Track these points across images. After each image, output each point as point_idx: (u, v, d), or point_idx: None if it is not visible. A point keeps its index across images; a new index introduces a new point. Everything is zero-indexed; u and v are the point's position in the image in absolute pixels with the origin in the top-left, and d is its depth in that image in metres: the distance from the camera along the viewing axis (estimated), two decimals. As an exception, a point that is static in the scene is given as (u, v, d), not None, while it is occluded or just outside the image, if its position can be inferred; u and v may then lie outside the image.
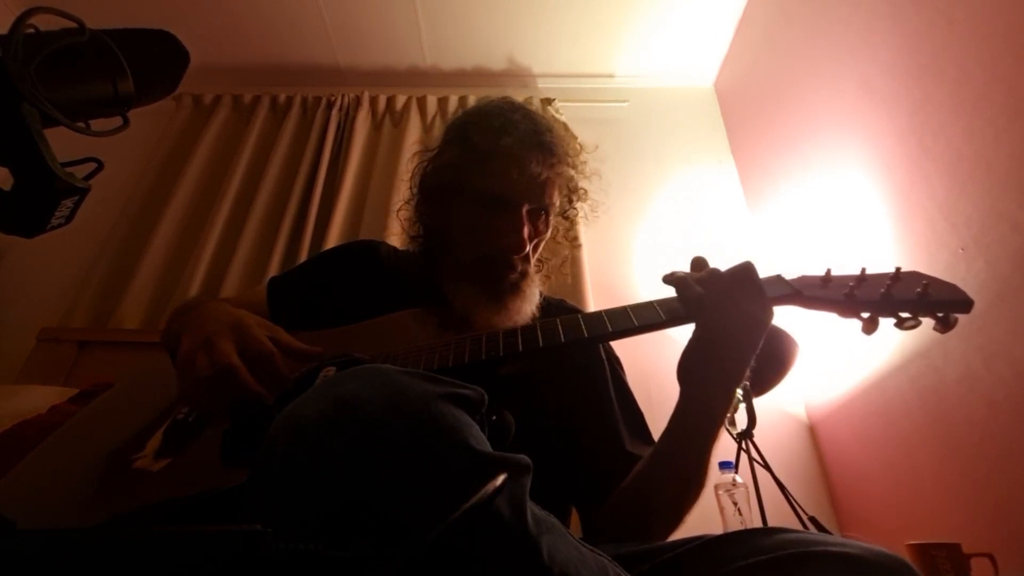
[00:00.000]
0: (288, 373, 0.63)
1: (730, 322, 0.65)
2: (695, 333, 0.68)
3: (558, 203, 0.87)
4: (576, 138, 0.91)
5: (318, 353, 0.67)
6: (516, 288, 0.83)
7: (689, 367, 0.68)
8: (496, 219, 0.81)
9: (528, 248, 0.82)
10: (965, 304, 0.65)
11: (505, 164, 0.79)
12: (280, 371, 0.63)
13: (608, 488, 0.74)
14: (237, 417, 0.61)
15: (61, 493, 0.62)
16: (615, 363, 0.91)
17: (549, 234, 0.88)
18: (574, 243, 0.97)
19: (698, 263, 0.74)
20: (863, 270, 0.71)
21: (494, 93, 2.43)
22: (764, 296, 0.67)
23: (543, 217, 0.85)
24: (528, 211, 0.82)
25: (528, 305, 0.83)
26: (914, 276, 0.69)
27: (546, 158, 0.81)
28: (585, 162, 0.91)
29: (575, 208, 0.93)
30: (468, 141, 0.84)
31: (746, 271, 0.67)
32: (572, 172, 0.87)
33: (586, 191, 0.93)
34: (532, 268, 0.86)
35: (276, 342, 0.66)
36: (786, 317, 1.44)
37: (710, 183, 2.08)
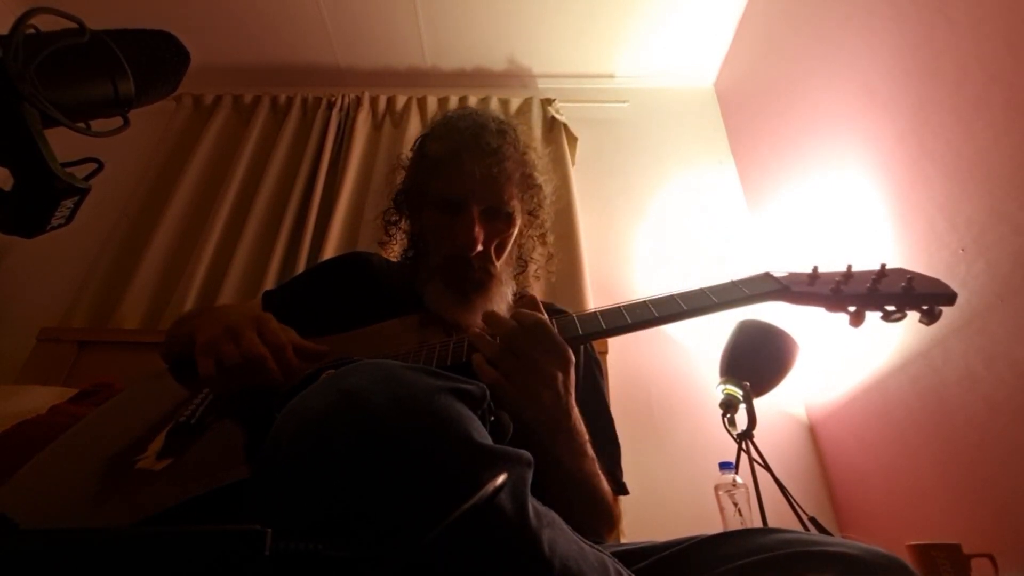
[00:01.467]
0: (299, 365, 0.68)
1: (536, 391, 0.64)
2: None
3: (517, 202, 0.88)
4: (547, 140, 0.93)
5: (323, 351, 0.71)
6: (482, 287, 0.85)
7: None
8: (450, 221, 0.85)
9: (481, 247, 0.84)
10: (948, 297, 0.67)
11: (448, 169, 0.84)
12: (294, 362, 0.68)
13: None
14: (253, 411, 0.64)
15: (64, 495, 0.62)
16: (594, 366, 0.92)
17: (514, 233, 0.89)
18: (542, 240, 0.98)
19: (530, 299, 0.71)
20: (849, 267, 0.73)
21: (494, 93, 2.41)
22: (559, 349, 0.65)
23: (502, 217, 0.87)
24: (482, 211, 0.84)
25: (495, 305, 0.85)
26: (898, 272, 0.71)
27: (483, 158, 0.83)
28: (541, 157, 0.94)
29: (541, 207, 0.95)
30: (422, 152, 0.92)
31: (539, 329, 0.65)
32: (522, 169, 0.89)
33: (541, 188, 0.94)
34: (499, 268, 0.88)
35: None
36: (786, 317, 1.45)
37: (710, 183, 2.08)
